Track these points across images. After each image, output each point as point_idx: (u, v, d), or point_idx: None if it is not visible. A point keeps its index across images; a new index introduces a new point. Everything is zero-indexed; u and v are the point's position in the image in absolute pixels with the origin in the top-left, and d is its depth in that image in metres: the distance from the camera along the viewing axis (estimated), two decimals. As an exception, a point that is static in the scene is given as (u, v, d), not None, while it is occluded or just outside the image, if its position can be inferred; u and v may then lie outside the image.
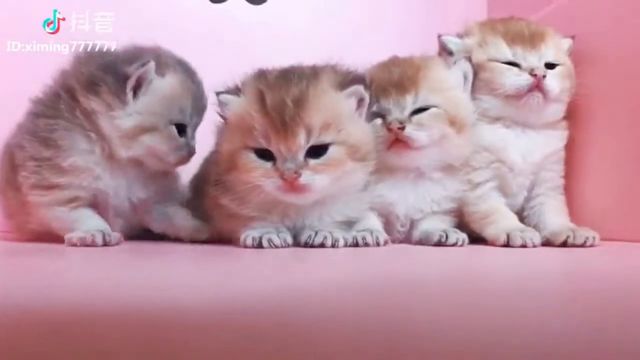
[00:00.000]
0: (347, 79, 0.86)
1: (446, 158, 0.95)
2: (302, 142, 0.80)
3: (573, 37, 1.03)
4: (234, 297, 0.44)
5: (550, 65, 0.97)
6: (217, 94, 0.88)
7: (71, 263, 0.75)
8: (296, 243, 0.87)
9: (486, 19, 1.13)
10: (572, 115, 1.02)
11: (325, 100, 0.82)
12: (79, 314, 0.37)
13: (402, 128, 0.89)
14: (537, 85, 0.94)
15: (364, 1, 1.46)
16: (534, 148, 0.98)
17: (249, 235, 0.83)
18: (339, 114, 0.83)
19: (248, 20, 1.37)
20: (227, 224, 0.90)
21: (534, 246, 0.87)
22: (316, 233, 0.84)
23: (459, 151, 0.95)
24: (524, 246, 0.87)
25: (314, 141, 0.81)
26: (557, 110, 1.00)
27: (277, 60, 0.89)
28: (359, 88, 0.86)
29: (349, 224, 0.91)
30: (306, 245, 0.84)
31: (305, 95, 0.81)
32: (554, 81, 0.95)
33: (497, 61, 0.97)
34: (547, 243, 0.90)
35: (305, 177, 0.80)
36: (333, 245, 0.83)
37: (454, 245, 0.89)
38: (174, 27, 1.28)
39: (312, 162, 0.81)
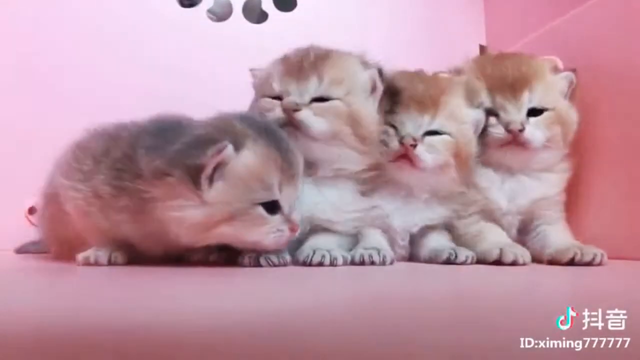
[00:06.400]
0: (370, 63, 0.91)
1: (438, 186, 0.94)
2: (311, 87, 0.86)
3: (574, 71, 0.98)
4: (235, 319, 0.42)
5: (536, 112, 0.94)
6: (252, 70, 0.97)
7: (69, 283, 0.73)
8: (294, 261, 0.84)
9: (478, 57, 1.10)
10: (577, 138, 0.99)
11: (346, 64, 0.89)
12: (74, 334, 0.36)
13: (414, 146, 0.88)
14: (515, 139, 0.92)
15: (359, 21, 1.46)
16: (521, 193, 0.96)
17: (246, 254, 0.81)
18: (353, 80, 0.88)
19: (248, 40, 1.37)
20: None
21: (524, 264, 0.84)
22: (314, 252, 0.82)
23: (452, 184, 0.94)
24: (515, 263, 0.84)
25: (322, 92, 0.86)
26: (546, 158, 0.96)
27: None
28: (375, 73, 0.90)
29: (352, 242, 0.90)
30: (304, 264, 0.82)
31: (329, 54, 0.89)
32: (536, 131, 0.93)
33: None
34: (553, 261, 0.87)
35: (304, 113, 0.84)
36: (332, 264, 0.81)
37: (463, 263, 0.87)
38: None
39: (315, 104, 0.85)
